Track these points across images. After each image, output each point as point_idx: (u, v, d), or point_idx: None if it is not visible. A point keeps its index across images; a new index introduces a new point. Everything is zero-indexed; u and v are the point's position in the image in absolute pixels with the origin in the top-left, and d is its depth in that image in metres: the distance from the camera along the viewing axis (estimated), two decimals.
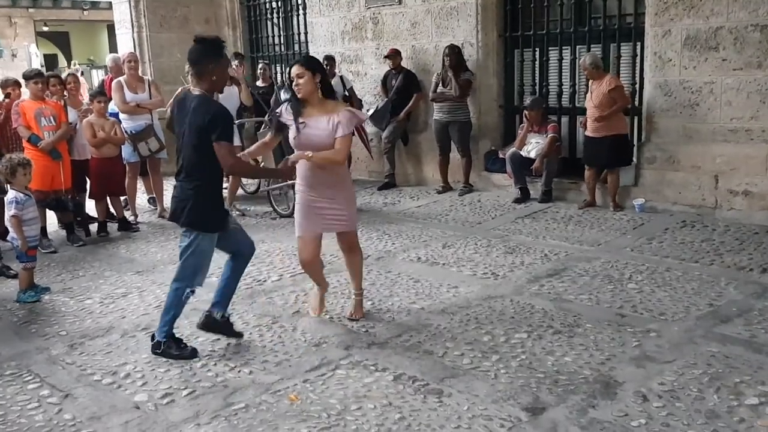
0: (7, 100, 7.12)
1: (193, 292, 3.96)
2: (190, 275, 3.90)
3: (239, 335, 4.17)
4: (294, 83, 4.06)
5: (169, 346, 3.96)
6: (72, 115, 6.90)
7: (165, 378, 3.71)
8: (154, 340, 4.01)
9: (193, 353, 3.96)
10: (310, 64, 4.10)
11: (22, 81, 7.27)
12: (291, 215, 7.34)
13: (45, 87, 6.56)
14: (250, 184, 8.84)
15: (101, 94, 7.09)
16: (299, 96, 4.07)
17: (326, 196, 4.19)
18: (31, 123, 6.31)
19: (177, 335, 4.06)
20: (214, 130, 3.68)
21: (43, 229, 6.50)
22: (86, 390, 3.63)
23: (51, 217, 6.99)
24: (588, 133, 6.93)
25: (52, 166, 6.35)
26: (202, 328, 4.11)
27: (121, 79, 7.45)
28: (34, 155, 6.26)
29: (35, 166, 6.27)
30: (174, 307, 3.94)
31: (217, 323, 4.09)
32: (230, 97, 7.20)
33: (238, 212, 7.60)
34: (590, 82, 6.92)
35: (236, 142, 7.45)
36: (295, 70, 4.05)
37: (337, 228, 4.33)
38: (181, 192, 3.87)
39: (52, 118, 6.40)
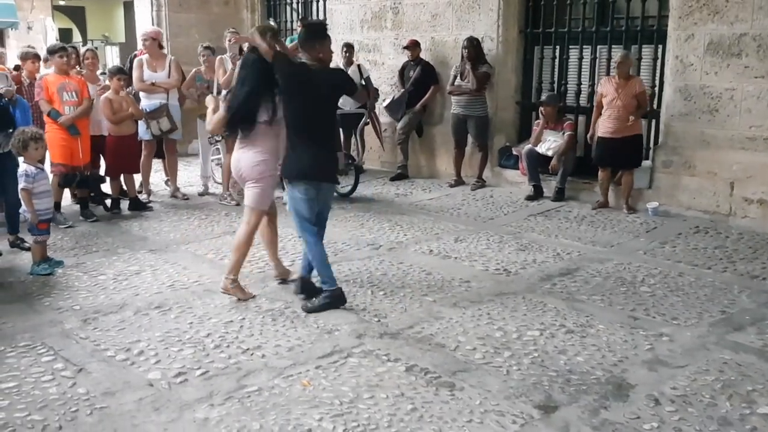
0: (15, 72, 7.11)
1: None
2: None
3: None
4: None
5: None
6: (89, 90, 6.91)
7: (178, 357, 3.73)
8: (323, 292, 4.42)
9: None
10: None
11: (42, 55, 7.30)
12: None
13: (70, 61, 6.58)
14: None
15: (121, 71, 7.06)
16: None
17: None
18: (53, 97, 6.31)
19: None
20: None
21: (57, 204, 6.52)
22: (100, 365, 3.65)
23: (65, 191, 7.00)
24: (604, 134, 6.84)
25: (72, 141, 6.36)
26: (300, 292, 4.59)
27: (143, 57, 7.44)
28: (54, 129, 6.29)
29: (56, 140, 6.29)
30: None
31: (312, 284, 4.61)
32: None
33: (235, 202, 7.46)
34: (610, 81, 6.83)
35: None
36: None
37: None
38: (332, 154, 4.51)
39: (74, 93, 6.39)
